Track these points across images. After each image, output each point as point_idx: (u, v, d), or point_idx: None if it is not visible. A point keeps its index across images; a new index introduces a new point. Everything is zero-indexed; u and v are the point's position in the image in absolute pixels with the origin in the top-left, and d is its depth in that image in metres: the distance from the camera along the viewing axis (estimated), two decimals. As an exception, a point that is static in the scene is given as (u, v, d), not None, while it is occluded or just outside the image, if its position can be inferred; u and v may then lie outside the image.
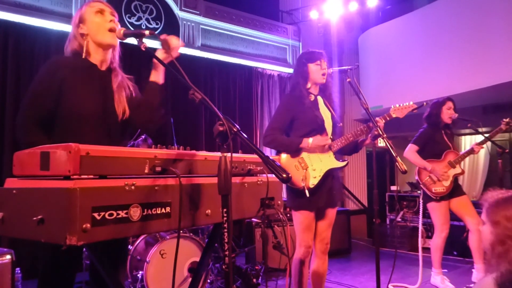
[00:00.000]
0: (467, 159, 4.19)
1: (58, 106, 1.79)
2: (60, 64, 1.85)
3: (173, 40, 1.87)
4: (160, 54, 1.85)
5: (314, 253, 2.89)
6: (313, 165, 2.74)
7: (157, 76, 1.94)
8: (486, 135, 3.95)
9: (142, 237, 3.53)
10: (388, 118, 2.83)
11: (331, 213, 2.86)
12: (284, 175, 1.34)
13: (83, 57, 1.89)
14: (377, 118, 2.76)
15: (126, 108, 1.91)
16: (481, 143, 3.91)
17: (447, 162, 3.84)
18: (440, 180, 3.80)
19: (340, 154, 2.93)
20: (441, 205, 3.80)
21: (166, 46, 1.85)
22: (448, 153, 3.88)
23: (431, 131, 3.94)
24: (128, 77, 2.04)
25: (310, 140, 2.71)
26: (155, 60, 1.88)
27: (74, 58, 1.90)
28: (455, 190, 3.86)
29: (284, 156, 2.78)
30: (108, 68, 1.97)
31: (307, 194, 2.66)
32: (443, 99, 3.95)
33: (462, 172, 3.90)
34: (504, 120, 3.88)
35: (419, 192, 5.35)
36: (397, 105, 2.90)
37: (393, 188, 6.98)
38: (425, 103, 3.05)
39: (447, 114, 3.88)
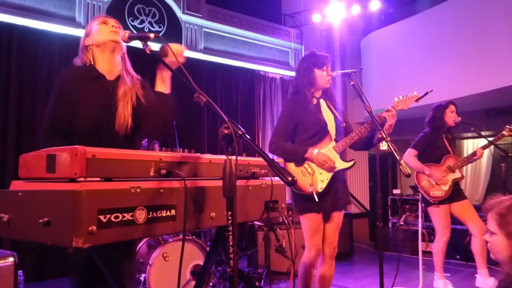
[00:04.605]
0: (469, 162, 4.16)
1: (73, 118, 1.87)
2: (68, 77, 1.92)
3: (175, 46, 1.84)
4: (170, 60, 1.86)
5: (321, 258, 2.87)
6: (320, 169, 2.74)
7: (163, 85, 1.92)
8: (490, 138, 3.93)
9: (144, 240, 3.53)
10: (393, 111, 2.81)
11: (338, 216, 2.84)
12: (289, 178, 1.34)
13: (91, 64, 1.94)
14: (382, 113, 2.75)
15: (129, 120, 1.92)
16: (483, 148, 3.89)
17: (446, 167, 3.83)
18: (438, 184, 3.79)
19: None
20: (441, 209, 3.79)
21: (166, 54, 1.83)
22: (447, 157, 3.86)
23: (432, 136, 3.92)
24: (139, 80, 2.04)
25: (315, 151, 2.71)
26: (158, 70, 1.89)
27: (82, 69, 1.96)
28: (456, 194, 3.83)
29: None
30: (117, 77, 1.98)
31: (316, 199, 2.65)
32: (446, 102, 3.93)
33: (462, 177, 3.87)
34: (508, 126, 3.87)
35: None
36: (401, 97, 2.87)
37: (396, 191, 6.97)
38: (429, 92, 2.96)
39: (451, 117, 3.87)
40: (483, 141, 3.97)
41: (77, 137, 1.83)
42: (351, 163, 2.80)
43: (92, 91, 1.90)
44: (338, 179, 2.79)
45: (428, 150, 3.91)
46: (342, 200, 2.83)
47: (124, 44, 1.98)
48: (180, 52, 1.83)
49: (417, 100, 2.87)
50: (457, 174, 3.83)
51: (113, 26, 1.97)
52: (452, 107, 3.90)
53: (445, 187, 3.78)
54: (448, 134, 3.97)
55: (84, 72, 1.94)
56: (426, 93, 2.93)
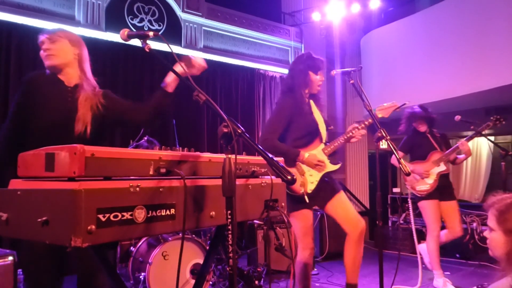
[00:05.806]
0: (469, 161, 4.20)
1: (30, 122, 1.97)
2: (32, 82, 2.07)
3: (198, 60, 1.97)
4: (178, 67, 1.89)
5: (349, 240, 2.79)
6: (310, 170, 2.79)
7: (171, 84, 2.04)
8: (491, 138, 3.96)
9: (144, 238, 3.53)
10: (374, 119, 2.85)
11: (337, 198, 2.82)
12: (289, 177, 1.34)
13: (51, 72, 2.10)
14: (369, 119, 2.80)
15: (88, 126, 2.02)
16: (468, 140, 3.95)
17: (431, 162, 3.93)
18: (422, 179, 3.86)
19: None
20: (430, 204, 3.86)
21: (189, 63, 1.95)
22: (433, 153, 3.96)
23: (414, 138, 4.06)
24: (101, 91, 2.15)
25: (306, 155, 2.76)
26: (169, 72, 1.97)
27: (44, 75, 2.11)
28: (446, 192, 3.93)
29: None
30: (76, 84, 2.09)
31: (307, 200, 2.69)
32: (418, 111, 4.00)
33: (447, 170, 3.95)
34: (492, 118, 3.96)
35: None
36: (385, 104, 2.95)
37: (395, 190, 6.97)
38: (406, 103, 3.09)
39: (421, 127, 4.01)
40: (483, 140, 3.99)
41: (33, 139, 1.91)
42: (337, 166, 2.86)
43: (53, 94, 2.02)
44: (327, 179, 2.85)
45: (414, 150, 4.06)
46: (335, 188, 2.85)
47: (68, 58, 2.11)
48: (199, 66, 1.97)
49: (396, 109, 2.95)
50: (441, 167, 3.91)
51: (45, 50, 2.10)
52: (421, 113, 4.00)
53: (430, 180, 3.88)
54: (432, 132, 4.05)
55: (46, 77, 2.07)
56: (404, 104, 3.02)
